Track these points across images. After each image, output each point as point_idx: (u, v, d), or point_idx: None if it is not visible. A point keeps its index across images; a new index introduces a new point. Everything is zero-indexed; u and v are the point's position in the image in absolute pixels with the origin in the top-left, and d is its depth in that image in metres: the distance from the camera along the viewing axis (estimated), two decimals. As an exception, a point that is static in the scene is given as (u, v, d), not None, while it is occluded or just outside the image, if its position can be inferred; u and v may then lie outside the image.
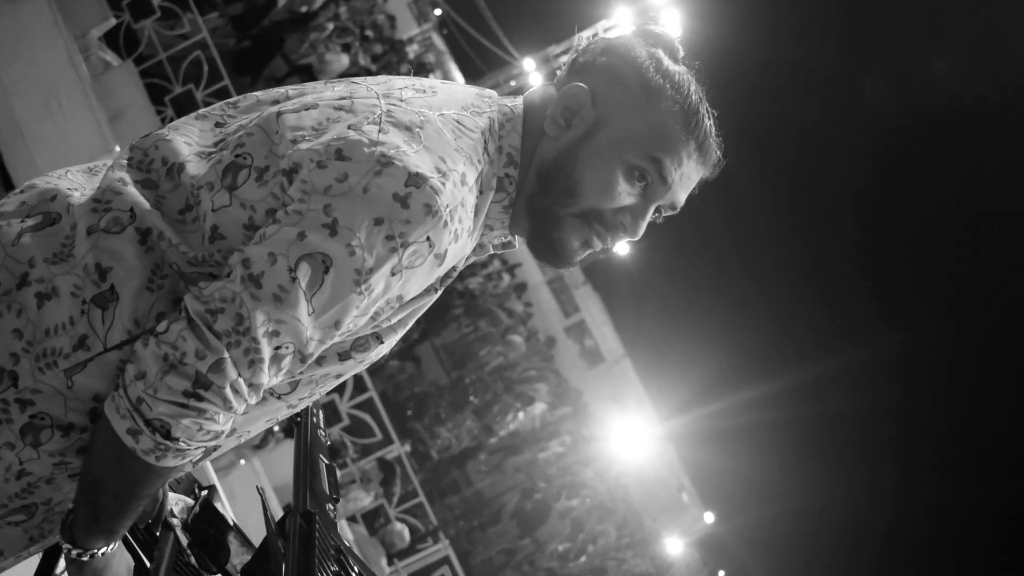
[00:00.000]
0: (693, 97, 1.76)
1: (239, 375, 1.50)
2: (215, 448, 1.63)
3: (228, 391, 1.50)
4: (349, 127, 1.59)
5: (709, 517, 27.28)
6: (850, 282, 33.52)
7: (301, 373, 1.71)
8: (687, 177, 1.78)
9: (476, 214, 1.67)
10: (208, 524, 1.96)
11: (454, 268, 1.73)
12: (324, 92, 1.72)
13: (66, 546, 1.63)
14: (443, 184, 1.56)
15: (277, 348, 1.52)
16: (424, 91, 1.72)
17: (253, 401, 1.55)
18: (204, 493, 2.00)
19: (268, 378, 1.55)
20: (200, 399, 1.49)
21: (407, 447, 10.75)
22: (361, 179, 1.52)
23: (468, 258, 1.81)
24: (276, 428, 8.00)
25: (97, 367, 1.55)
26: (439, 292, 1.75)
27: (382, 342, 1.76)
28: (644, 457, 23.27)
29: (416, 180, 1.53)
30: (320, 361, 1.71)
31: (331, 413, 9.54)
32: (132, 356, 1.51)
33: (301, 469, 1.90)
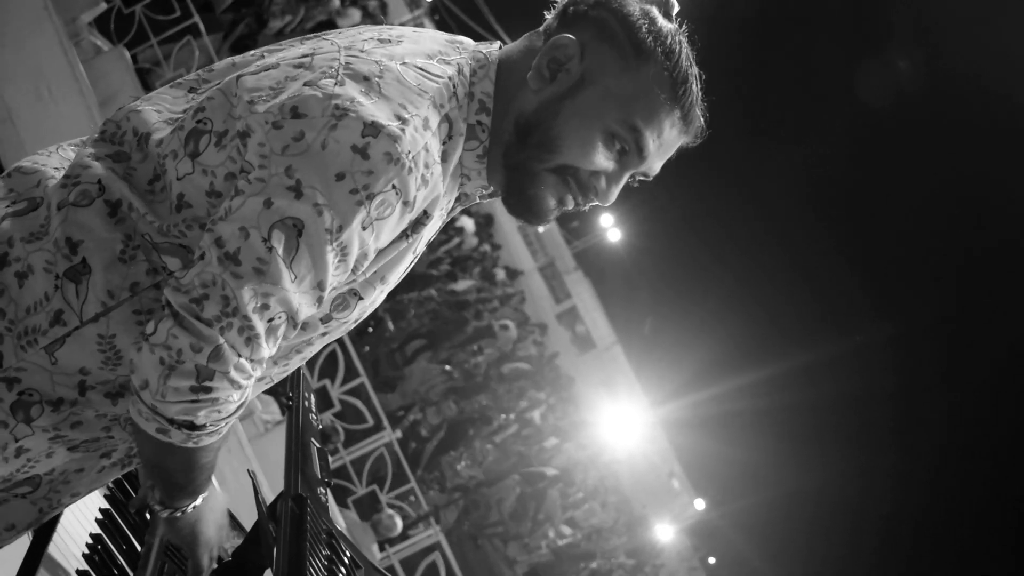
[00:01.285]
0: (683, 63, 1.70)
1: (239, 356, 1.50)
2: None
3: (233, 373, 1.50)
4: (305, 84, 1.56)
5: (700, 504, 27.35)
6: (841, 268, 33.56)
7: (285, 339, 1.69)
8: (666, 146, 1.74)
9: (445, 159, 1.64)
10: (199, 508, 1.95)
11: (426, 214, 1.67)
12: (290, 51, 1.71)
13: (157, 507, 1.67)
14: (402, 131, 1.53)
15: (270, 320, 1.52)
16: (389, 40, 1.69)
17: (259, 373, 1.56)
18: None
19: (268, 350, 1.55)
20: (208, 390, 1.50)
21: (398, 434, 10.74)
22: (318, 135, 1.50)
23: (452, 209, 1.78)
24: (267, 419, 8.00)
25: (76, 341, 1.56)
26: (411, 239, 1.69)
27: (362, 298, 1.73)
28: (635, 443, 23.29)
29: (372, 129, 1.51)
30: (304, 326, 1.70)
31: (322, 399, 9.53)
32: (132, 366, 1.51)
33: (292, 453, 1.90)
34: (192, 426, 1.52)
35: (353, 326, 1.79)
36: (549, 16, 1.78)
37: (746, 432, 30.31)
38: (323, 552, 1.70)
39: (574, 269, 26.91)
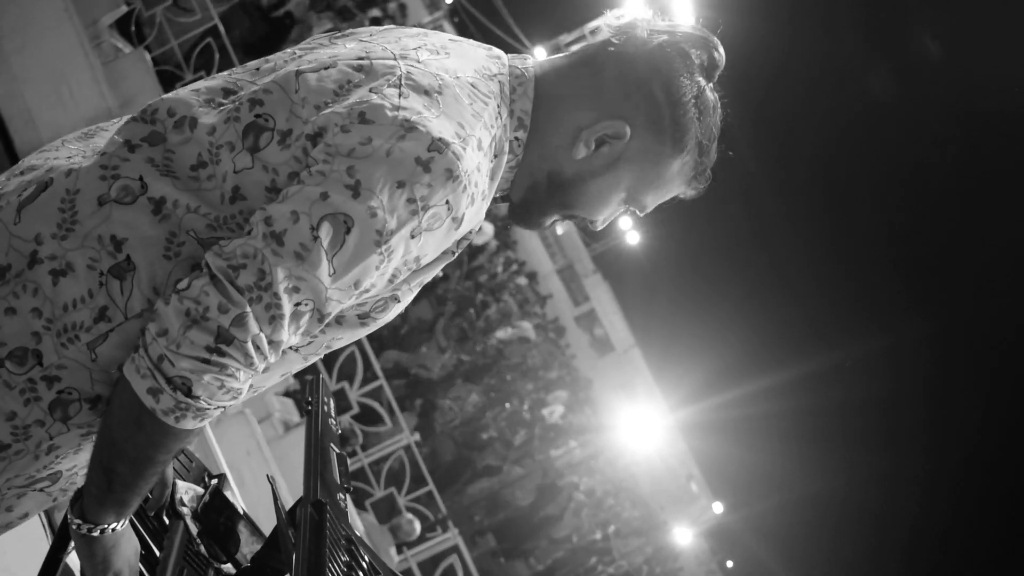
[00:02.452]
0: (712, 155, 1.84)
1: (260, 330, 1.51)
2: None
3: (250, 346, 1.50)
4: (371, 90, 1.61)
5: (718, 507, 27.32)
6: (862, 271, 33.45)
7: (322, 332, 1.72)
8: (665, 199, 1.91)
9: (492, 178, 1.72)
10: (218, 513, 1.95)
11: (470, 231, 1.74)
12: (337, 49, 1.74)
13: (76, 521, 1.63)
14: (464, 149, 1.59)
15: (297, 304, 1.53)
16: (438, 52, 1.74)
17: (273, 359, 1.56)
18: (214, 482, 1.99)
19: (288, 335, 1.55)
20: (222, 354, 1.49)
21: (416, 436, 10.74)
22: (385, 142, 1.54)
23: None
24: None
25: (119, 337, 1.56)
26: (455, 255, 1.78)
27: (399, 301, 1.78)
28: (654, 447, 23.30)
29: (439, 145, 1.56)
30: (340, 321, 1.73)
31: (341, 400, 9.54)
32: (153, 315, 1.51)
33: (312, 458, 1.89)
34: (188, 392, 1.49)
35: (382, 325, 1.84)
36: (607, 30, 1.87)
37: (765, 436, 30.25)
38: (342, 558, 1.69)
39: (593, 272, 26.90)
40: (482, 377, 13.58)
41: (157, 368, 1.49)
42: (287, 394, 8.77)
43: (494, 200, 1.88)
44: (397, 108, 1.58)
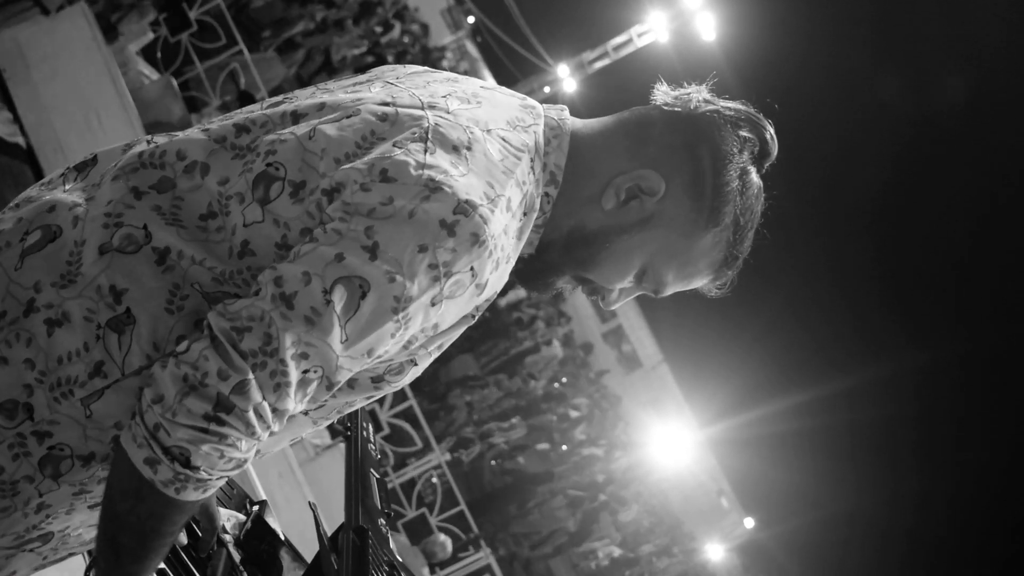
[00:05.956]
0: (745, 245, 1.72)
1: (263, 398, 1.41)
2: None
3: (251, 415, 1.40)
4: (394, 145, 1.50)
5: (749, 522, 27.18)
6: (895, 288, 33.26)
7: (334, 397, 1.64)
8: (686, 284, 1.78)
9: (519, 238, 1.61)
10: (260, 540, 1.95)
11: (493, 294, 1.63)
12: (362, 93, 1.63)
13: None
14: (492, 212, 1.48)
15: (305, 372, 1.44)
16: (468, 101, 1.63)
17: (277, 428, 1.46)
18: (256, 509, 1.99)
19: (294, 404, 1.46)
20: (221, 423, 1.39)
21: (447, 456, 10.74)
22: (408, 203, 1.43)
23: None
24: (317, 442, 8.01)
25: (115, 394, 1.47)
26: (475, 319, 1.65)
27: (416, 364, 1.67)
28: (684, 463, 23.21)
29: (465, 208, 1.45)
30: (352, 384, 1.63)
31: (372, 421, 9.56)
32: (149, 379, 1.42)
33: (352, 484, 1.89)
34: (186, 463, 1.40)
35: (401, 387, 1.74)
36: (661, 95, 1.73)
37: (797, 453, 30.06)
38: (385, 583, 1.69)
39: (619, 288, 26.86)
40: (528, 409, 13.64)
41: (153, 437, 1.40)
42: (338, 416, 8.79)
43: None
44: (423, 166, 1.46)
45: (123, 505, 1.45)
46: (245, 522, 1.95)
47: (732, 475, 27.50)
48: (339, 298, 1.41)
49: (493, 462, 12.80)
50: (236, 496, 2.01)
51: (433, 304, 1.48)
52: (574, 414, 16.51)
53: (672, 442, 22.36)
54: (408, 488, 10.07)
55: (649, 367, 26.40)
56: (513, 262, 1.64)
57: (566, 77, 22.25)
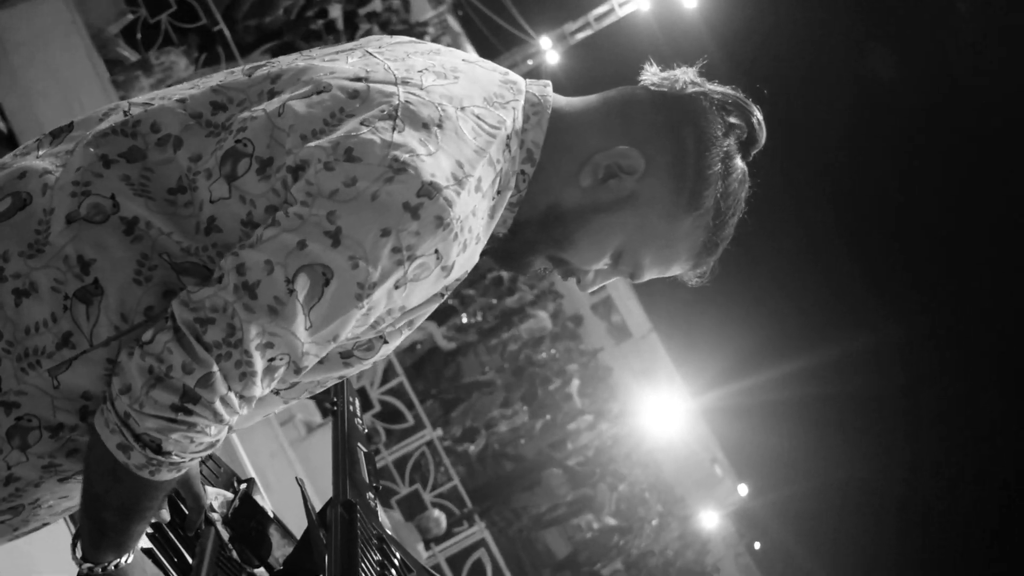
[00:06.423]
0: (726, 232, 1.71)
1: (229, 388, 1.42)
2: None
3: (218, 404, 1.41)
4: (362, 123, 1.47)
5: (743, 489, 27.30)
6: (891, 254, 33.30)
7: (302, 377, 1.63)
8: (662, 274, 1.77)
9: (492, 216, 1.60)
10: (248, 518, 1.95)
11: (463, 273, 1.61)
12: (339, 63, 1.61)
13: (78, 560, 1.56)
14: (457, 194, 1.47)
15: (271, 360, 1.44)
16: (446, 76, 1.59)
17: (245, 412, 1.47)
18: (243, 487, 1.99)
19: (260, 390, 1.46)
20: (189, 412, 1.40)
21: (438, 432, 10.77)
22: (370, 184, 1.42)
23: None
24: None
25: (83, 365, 1.47)
26: (445, 298, 1.65)
27: (387, 342, 1.67)
28: (676, 431, 23.29)
29: (429, 190, 1.43)
30: (321, 361, 1.60)
31: (362, 399, 9.56)
32: (117, 368, 1.43)
33: (340, 459, 1.88)
34: (158, 449, 1.41)
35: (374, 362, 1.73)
36: (649, 75, 1.71)
37: (790, 421, 30.14)
38: (374, 557, 1.68)
39: (607, 259, 26.86)
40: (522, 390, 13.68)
41: (124, 425, 1.41)
42: (309, 396, 8.79)
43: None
44: (389, 145, 1.44)
45: (101, 485, 1.47)
46: (233, 500, 1.95)
47: (725, 443, 27.60)
48: (302, 286, 1.41)
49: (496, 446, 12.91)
50: (223, 474, 2.01)
51: (397, 287, 1.47)
52: (571, 388, 16.57)
53: (664, 411, 22.43)
54: (401, 465, 10.10)
55: (639, 336, 26.44)
56: (484, 242, 1.62)
57: (548, 49, 22.14)
